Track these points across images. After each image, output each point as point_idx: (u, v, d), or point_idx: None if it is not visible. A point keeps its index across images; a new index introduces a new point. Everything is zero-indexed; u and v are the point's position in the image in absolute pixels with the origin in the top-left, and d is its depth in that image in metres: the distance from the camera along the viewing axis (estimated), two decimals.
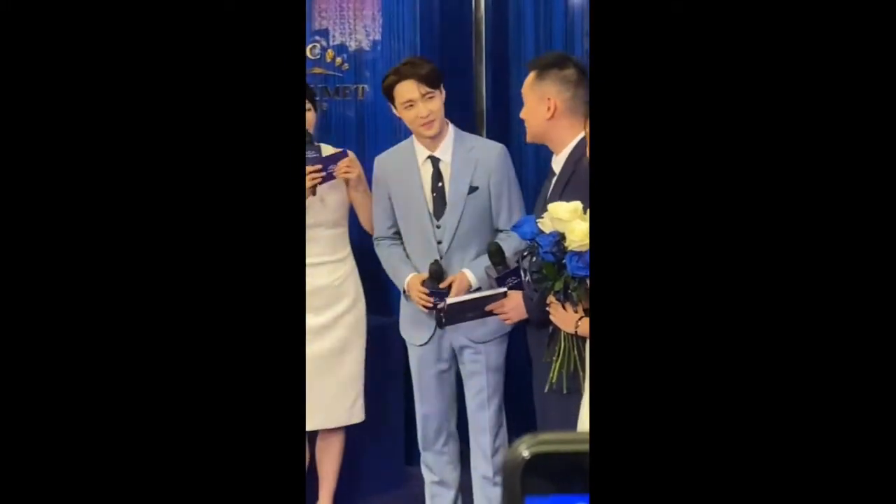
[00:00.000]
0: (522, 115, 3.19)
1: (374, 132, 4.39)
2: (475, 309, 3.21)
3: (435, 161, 3.49)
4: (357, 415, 3.78)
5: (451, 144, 3.47)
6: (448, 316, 3.28)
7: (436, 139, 3.46)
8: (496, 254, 3.17)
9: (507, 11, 4.41)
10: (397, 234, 3.60)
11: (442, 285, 3.43)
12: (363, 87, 4.38)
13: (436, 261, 3.45)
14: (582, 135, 3.07)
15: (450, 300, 3.31)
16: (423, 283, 3.45)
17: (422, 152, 3.50)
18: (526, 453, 0.50)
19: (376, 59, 4.35)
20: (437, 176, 3.48)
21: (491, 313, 3.18)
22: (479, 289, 3.36)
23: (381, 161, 3.63)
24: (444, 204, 3.47)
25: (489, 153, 3.45)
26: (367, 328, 3.80)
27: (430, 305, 3.43)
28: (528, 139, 3.23)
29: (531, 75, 3.15)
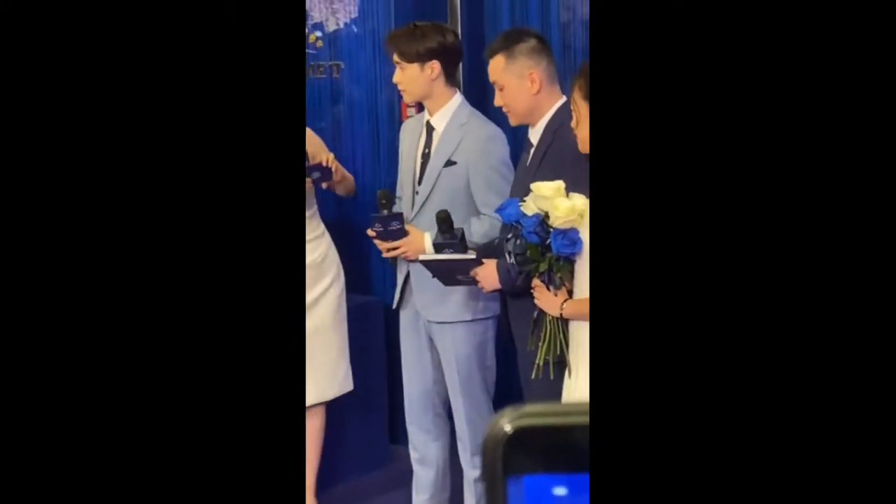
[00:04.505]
0: (500, 102, 3.14)
1: (348, 110, 4.36)
2: (456, 271, 3.17)
3: (430, 128, 3.47)
4: (348, 384, 3.85)
5: (448, 114, 3.43)
6: (436, 275, 3.24)
7: (434, 106, 3.44)
8: (444, 221, 3.15)
9: None
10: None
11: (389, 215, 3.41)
12: (338, 65, 4.35)
13: (385, 189, 3.47)
14: (558, 104, 3.05)
15: (422, 257, 3.28)
16: (374, 215, 3.44)
17: (426, 117, 3.50)
18: (508, 427, 0.47)
19: (351, 38, 4.32)
20: (428, 143, 3.47)
21: (475, 280, 3.14)
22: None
23: (405, 125, 3.68)
24: (426, 171, 3.46)
25: (478, 133, 3.39)
26: (346, 303, 3.85)
27: (374, 235, 3.42)
28: (514, 122, 3.18)
29: (499, 59, 3.10)
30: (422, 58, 3.39)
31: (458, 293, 3.33)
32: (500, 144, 3.40)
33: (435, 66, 3.39)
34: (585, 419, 0.45)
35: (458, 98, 3.46)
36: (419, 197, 3.45)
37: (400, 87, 3.47)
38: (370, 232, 3.44)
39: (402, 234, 3.40)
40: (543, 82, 3.05)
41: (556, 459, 0.46)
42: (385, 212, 3.39)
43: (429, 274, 3.28)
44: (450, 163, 3.39)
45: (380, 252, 3.55)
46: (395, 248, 3.41)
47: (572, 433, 0.46)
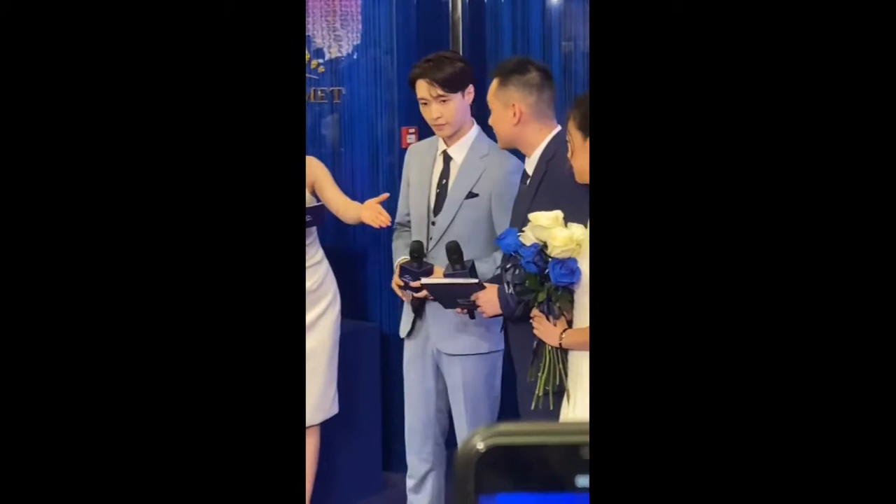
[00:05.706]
0: (490, 122, 3.18)
1: (350, 136, 4.37)
2: (457, 294, 3.16)
3: (447, 158, 3.43)
4: (334, 408, 3.86)
5: (467, 145, 3.40)
6: (437, 298, 3.24)
7: (454, 137, 3.39)
8: (454, 252, 3.15)
9: (483, 15, 4.40)
10: (409, 224, 3.55)
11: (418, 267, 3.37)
12: (339, 90, 4.36)
13: (419, 241, 3.38)
14: (552, 135, 3.07)
15: (424, 280, 3.27)
16: (403, 264, 3.39)
17: (440, 146, 3.45)
18: (481, 445, 0.47)
19: (352, 64, 4.34)
20: (446, 173, 3.43)
21: (475, 304, 3.13)
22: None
23: (412, 149, 3.62)
24: (444, 202, 3.42)
25: (500, 165, 3.35)
26: (340, 329, 3.85)
27: (401, 285, 3.38)
28: (500, 145, 3.23)
29: (494, 82, 3.15)
30: (462, 84, 3.36)
31: (473, 326, 3.32)
32: (519, 175, 3.38)
33: (471, 90, 3.38)
34: (557, 438, 0.45)
35: (475, 129, 3.43)
36: (436, 228, 3.41)
37: (439, 122, 3.36)
38: (397, 280, 3.39)
39: None
40: (524, 115, 3.07)
41: (529, 478, 0.46)
42: (416, 264, 3.34)
43: (446, 307, 3.27)
44: (471, 195, 3.35)
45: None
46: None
47: (544, 452, 0.46)
